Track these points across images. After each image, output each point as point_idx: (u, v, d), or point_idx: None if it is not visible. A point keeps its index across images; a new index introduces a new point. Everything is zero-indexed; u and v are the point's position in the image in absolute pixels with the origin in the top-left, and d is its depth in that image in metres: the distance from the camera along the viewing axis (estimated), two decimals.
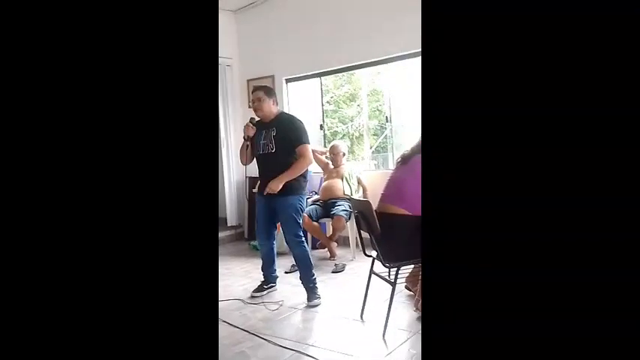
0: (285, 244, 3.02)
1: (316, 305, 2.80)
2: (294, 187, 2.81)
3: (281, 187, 2.73)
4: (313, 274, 2.88)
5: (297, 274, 3.02)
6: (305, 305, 2.83)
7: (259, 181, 2.97)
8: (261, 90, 2.89)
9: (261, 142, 2.85)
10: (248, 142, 2.89)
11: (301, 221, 2.92)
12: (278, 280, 3.19)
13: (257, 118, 2.93)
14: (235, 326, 2.56)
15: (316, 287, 2.89)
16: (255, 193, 3.08)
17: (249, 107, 5.06)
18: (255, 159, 2.96)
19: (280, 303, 2.87)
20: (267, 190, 2.75)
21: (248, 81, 5.01)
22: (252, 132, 2.87)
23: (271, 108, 2.88)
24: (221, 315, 2.73)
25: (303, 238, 2.91)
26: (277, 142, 2.80)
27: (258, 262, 3.18)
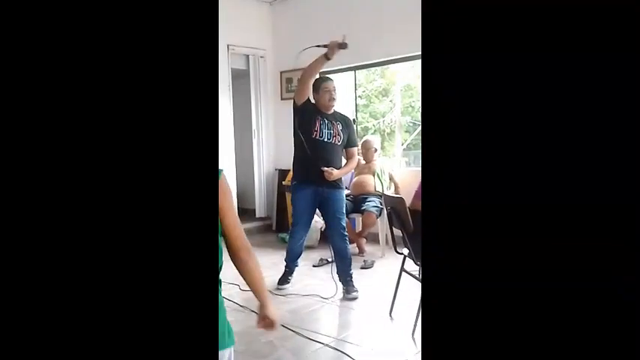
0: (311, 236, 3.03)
1: (355, 298, 2.83)
2: (342, 183, 2.96)
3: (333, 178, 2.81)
4: (351, 269, 2.92)
5: (325, 267, 3.01)
6: (342, 298, 2.85)
7: (304, 168, 2.88)
8: (332, 81, 2.96)
9: (326, 130, 2.85)
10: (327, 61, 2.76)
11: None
12: (306, 273, 3.20)
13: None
14: None
15: (352, 280, 2.91)
16: (296, 183, 2.97)
17: (282, 99, 5.13)
18: (300, 146, 2.88)
19: (314, 296, 2.87)
20: (327, 174, 2.76)
21: (281, 73, 5.01)
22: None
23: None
24: (249, 305, 2.75)
25: (347, 233, 2.93)
26: (343, 136, 2.91)
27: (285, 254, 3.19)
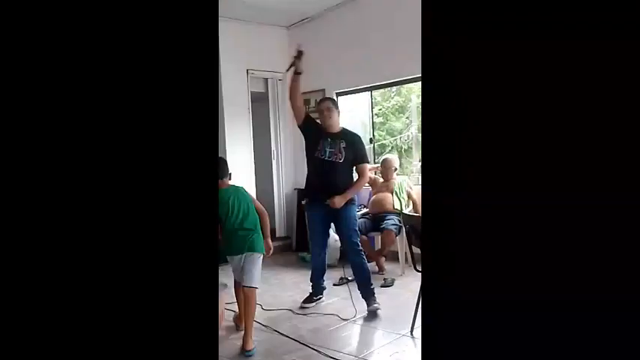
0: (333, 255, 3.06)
1: (377, 309, 2.84)
2: (352, 199, 2.99)
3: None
4: (372, 282, 2.95)
5: (345, 287, 3.03)
6: (365, 312, 2.87)
7: (313, 190, 3.01)
8: (328, 100, 3.03)
9: (328, 149, 2.91)
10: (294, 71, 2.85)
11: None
12: (326, 292, 3.22)
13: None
14: (287, 336, 2.61)
15: (374, 294, 2.93)
16: (307, 202, 3.12)
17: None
18: (307, 164, 3.03)
19: (335, 315, 2.89)
20: (331, 204, 2.85)
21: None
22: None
23: (338, 119, 3.00)
24: (272, 324, 2.79)
25: (361, 247, 2.96)
26: (346, 154, 2.92)
27: (307, 274, 3.22)
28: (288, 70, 2.93)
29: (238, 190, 2.59)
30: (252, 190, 4.81)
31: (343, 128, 3.03)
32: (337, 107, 3.01)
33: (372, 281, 2.98)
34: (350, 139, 2.97)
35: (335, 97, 4.89)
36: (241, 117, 4.75)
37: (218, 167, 2.44)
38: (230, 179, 2.64)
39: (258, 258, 2.53)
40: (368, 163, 3.07)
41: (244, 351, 2.38)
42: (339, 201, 2.86)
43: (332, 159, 2.90)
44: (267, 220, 2.64)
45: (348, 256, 2.96)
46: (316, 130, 2.96)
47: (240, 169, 4.77)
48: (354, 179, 3.04)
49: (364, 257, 2.95)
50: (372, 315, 2.85)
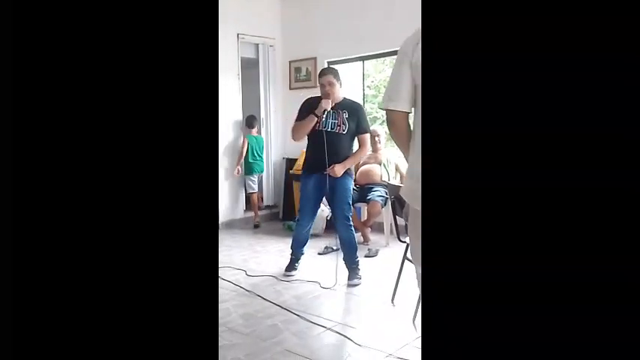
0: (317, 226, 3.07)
1: (356, 285, 2.89)
2: (349, 170, 2.97)
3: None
4: (357, 256, 2.97)
5: (331, 255, 3.05)
6: (346, 284, 2.91)
7: (312, 158, 2.95)
8: (330, 73, 2.91)
9: (330, 120, 2.87)
10: (318, 120, 2.84)
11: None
12: (311, 260, 3.26)
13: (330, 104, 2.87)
14: (269, 301, 2.64)
15: (359, 268, 2.97)
16: (304, 170, 3.05)
17: (290, 88, 5.15)
18: (308, 137, 2.96)
19: (317, 282, 2.93)
20: (331, 172, 2.84)
21: (290, 62, 5.04)
22: (329, 107, 2.82)
23: (339, 91, 2.92)
24: (255, 290, 2.83)
25: (352, 222, 2.98)
26: (349, 124, 2.88)
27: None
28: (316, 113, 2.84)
29: (259, 138, 4.85)
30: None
31: (345, 98, 2.97)
32: (339, 79, 2.91)
33: (358, 252, 3.01)
34: (353, 109, 2.91)
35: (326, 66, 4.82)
36: (231, 83, 4.66)
37: (253, 120, 4.78)
38: (256, 129, 4.81)
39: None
40: (370, 132, 3.02)
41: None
42: (339, 169, 2.84)
43: (335, 130, 2.86)
44: None
45: (339, 229, 2.95)
46: (317, 103, 2.87)
47: (230, 136, 4.73)
48: (354, 150, 3.00)
49: (354, 233, 2.96)
50: (360, 282, 2.91)
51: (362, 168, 4.09)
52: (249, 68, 4.95)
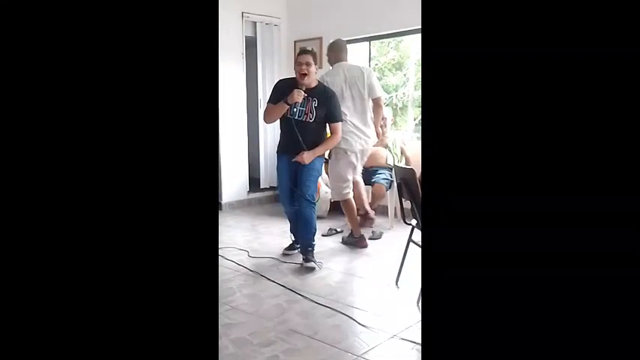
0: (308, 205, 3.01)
1: (312, 268, 2.83)
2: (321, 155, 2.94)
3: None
4: (314, 240, 2.94)
5: (335, 237, 3.03)
6: (301, 266, 2.88)
7: (284, 141, 2.96)
8: (310, 54, 2.83)
9: (299, 108, 2.82)
10: (287, 107, 2.82)
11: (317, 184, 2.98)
12: (316, 242, 3.23)
13: (304, 87, 2.81)
14: (273, 281, 2.64)
15: (313, 253, 2.92)
16: (277, 155, 3.06)
17: (295, 70, 5.04)
18: (280, 120, 2.93)
19: (319, 264, 2.92)
20: (299, 159, 2.83)
21: (295, 42, 4.96)
22: (300, 100, 2.78)
23: (315, 75, 2.87)
24: (259, 270, 2.82)
25: (316, 202, 2.97)
26: (317, 113, 2.84)
27: None
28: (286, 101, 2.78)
29: None
30: (243, 139, 4.76)
31: (319, 83, 2.91)
32: (316, 62, 2.86)
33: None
34: (324, 97, 2.85)
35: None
36: (234, 63, 4.59)
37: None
38: None
39: None
40: (341, 121, 2.95)
41: None
42: (307, 157, 2.83)
43: (302, 118, 2.82)
44: None
45: (300, 204, 2.91)
46: (290, 87, 2.80)
47: (233, 117, 4.68)
48: (327, 136, 2.96)
49: (314, 213, 2.92)
50: (358, 266, 2.88)
51: None
52: (254, 47, 4.88)
